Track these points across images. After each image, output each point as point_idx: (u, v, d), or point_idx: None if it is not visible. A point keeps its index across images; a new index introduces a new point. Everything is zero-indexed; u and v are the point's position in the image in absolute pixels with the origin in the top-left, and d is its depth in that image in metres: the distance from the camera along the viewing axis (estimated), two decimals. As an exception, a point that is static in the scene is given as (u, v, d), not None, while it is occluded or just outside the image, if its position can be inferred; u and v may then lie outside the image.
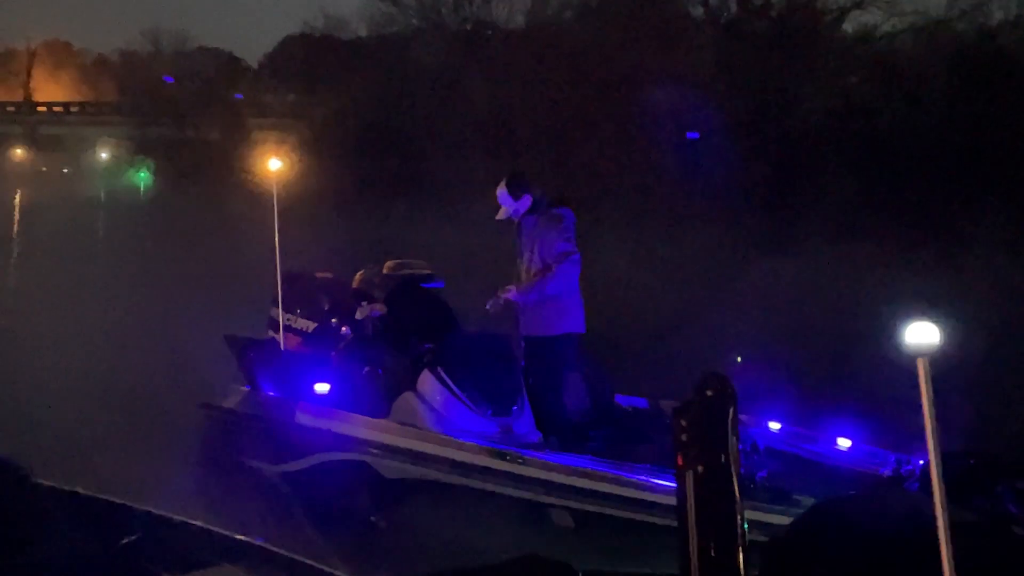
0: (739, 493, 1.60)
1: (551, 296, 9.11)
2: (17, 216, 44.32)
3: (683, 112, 36.34)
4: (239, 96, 59.41)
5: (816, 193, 32.52)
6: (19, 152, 73.58)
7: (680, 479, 1.60)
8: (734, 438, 1.62)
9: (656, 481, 7.60)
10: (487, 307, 9.39)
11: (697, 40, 39.78)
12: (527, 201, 9.28)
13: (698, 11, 42.49)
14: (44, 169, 69.14)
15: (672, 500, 6.25)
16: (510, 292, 9.24)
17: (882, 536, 1.42)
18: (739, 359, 10.03)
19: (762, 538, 1.64)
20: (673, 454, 1.64)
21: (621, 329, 14.94)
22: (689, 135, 36.46)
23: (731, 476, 1.60)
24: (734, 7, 41.00)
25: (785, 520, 5.91)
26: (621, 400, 9.82)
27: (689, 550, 1.59)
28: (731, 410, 1.62)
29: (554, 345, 9.18)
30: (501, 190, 9.39)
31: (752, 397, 8.73)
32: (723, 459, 1.60)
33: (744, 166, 34.74)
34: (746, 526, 1.61)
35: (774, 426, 9.08)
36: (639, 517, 7.61)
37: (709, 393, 1.62)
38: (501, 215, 9.45)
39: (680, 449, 1.60)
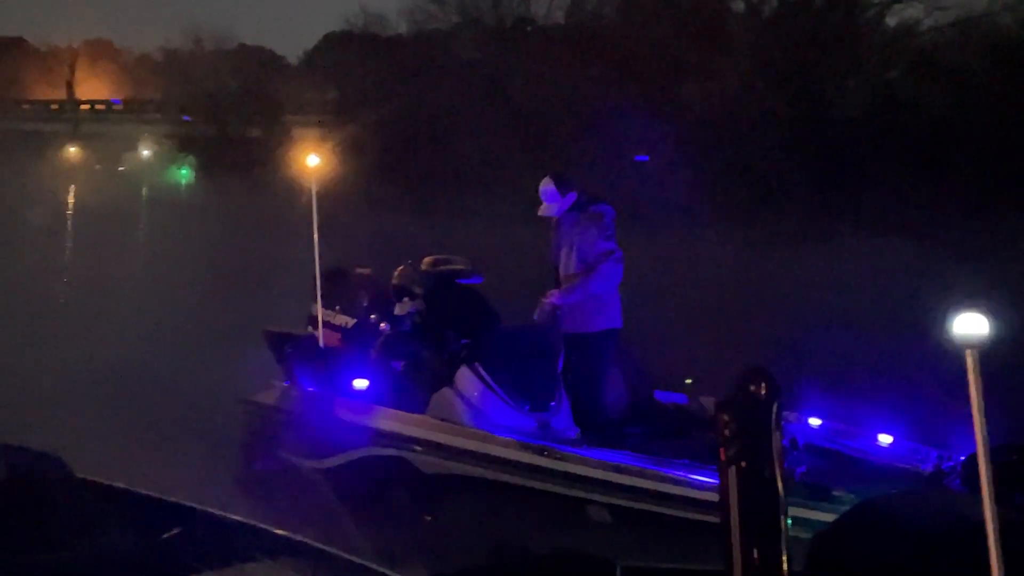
0: (782, 488, 1.58)
1: (600, 293, 9.08)
2: (71, 212, 44.75)
3: (721, 108, 36.18)
4: (642, 159, 59.37)
5: (858, 187, 32.32)
6: (73, 150, 74.09)
7: (723, 474, 1.58)
8: (777, 433, 1.60)
9: (695, 477, 7.58)
10: (535, 317, 9.37)
11: (738, 35, 39.60)
12: (571, 198, 9.24)
13: (739, 6, 42.32)
14: (98, 167, 69.57)
15: (710, 496, 6.22)
16: (553, 297, 9.22)
17: (928, 534, 1.40)
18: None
19: (801, 535, 1.62)
20: (716, 449, 1.62)
21: (661, 325, 14.87)
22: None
23: (774, 471, 1.58)
24: (775, 2, 40.78)
25: (824, 516, 5.89)
26: (660, 396, 9.78)
27: (732, 545, 1.57)
28: (774, 405, 1.60)
29: (593, 341, 9.16)
30: (547, 187, 9.31)
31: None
32: (766, 454, 1.58)
33: (785, 161, 34.55)
34: (790, 522, 1.59)
35: (814, 422, 9.02)
36: (677, 513, 7.59)
37: (752, 388, 1.60)
38: (543, 211, 9.39)
39: (723, 444, 1.58)
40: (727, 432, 1.58)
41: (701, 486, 7.38)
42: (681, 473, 7.71)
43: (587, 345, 9.15)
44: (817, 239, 28.69)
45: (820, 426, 9.02)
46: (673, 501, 7.62)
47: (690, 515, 7.41)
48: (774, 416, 1.59)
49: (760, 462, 1.57)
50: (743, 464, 1.57)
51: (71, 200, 49.14)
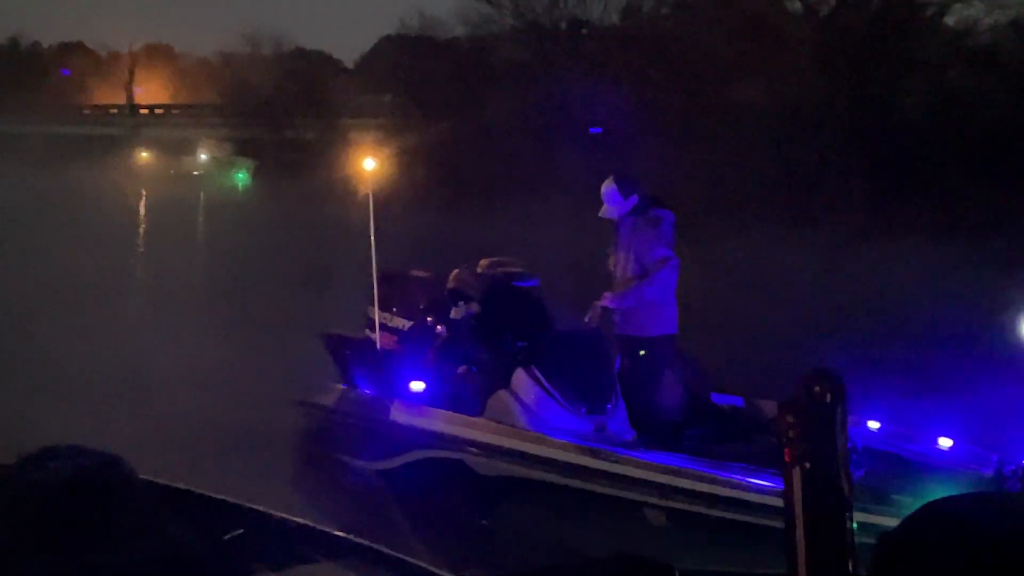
0: (849, 491, 1.57)
1: (654, 299, 9.06)
2: (142, 215, 45.41)
3: (778, 109, 35.97)
4: (596, 130, 59.67)
5: (917, 188, 32.01)
6: (144, 155, 74.82)
7: (786, 476, 1.57)
8: (843, 435, 1.58)
9: (753, 480, 7.53)
10: (586, 320, 9.34)
11: (795, 35, 39.36)
12: (633, 201, 9.19)
13: (795, 6, 42.05)
14: (172, 172, 70.28)
15: (769, 499, 6.19)
16: (606, 299, 9.19)
17: (995, 538, 1.37)
18: None
19: (862, 539, 1.60)
20: (777, 451, 1.60)
21: (718, 327, 14.82)
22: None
23: (840, 474, 1.57)
24: (832, 1, 40.49)
25: (884, 521, 5.83)
26: (717, 398, 9.73)
27: (796, 549, 1.56)
28: (840, 407, 1.58)
29: (649, 346, 9.12)
30: (608, 188, 9.27)
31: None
32: (832, 456, 1.56)
33: (844, 162, 34.30)
34: (855, 525, 1.57)
35: (873, 425, 8.94)
36: (735, 516, 7.54)
37: (817, 389, 1.58)
38: (604, 213, 9.34)
39: (786, 445, 1.57)
40: (791, 434, 1.56)
41: (760, 489, 7.33)
42: (739, 476, 7.66)
43: (643, 349, 9.13)
44: (876, 240, 28.45)
45: (879, 429, 8.94)
46: (731, 504, 7.58)
47: (748, 518, 7.36)
48: (839, 417, 1.57)
49: (825, 464, 1.55)
50: (807, 466, 1.56)
51: (143, 205, 49.78)
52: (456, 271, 10.42)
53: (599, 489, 8.21)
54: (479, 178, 41.37)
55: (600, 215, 9.38)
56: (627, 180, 9.32)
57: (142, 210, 47.54)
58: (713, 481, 7.73)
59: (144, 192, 54.75)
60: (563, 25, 49.89)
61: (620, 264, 9.23)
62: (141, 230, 38.66)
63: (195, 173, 69.08)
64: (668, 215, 9.21)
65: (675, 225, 9.24)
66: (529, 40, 48.76)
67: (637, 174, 9.74)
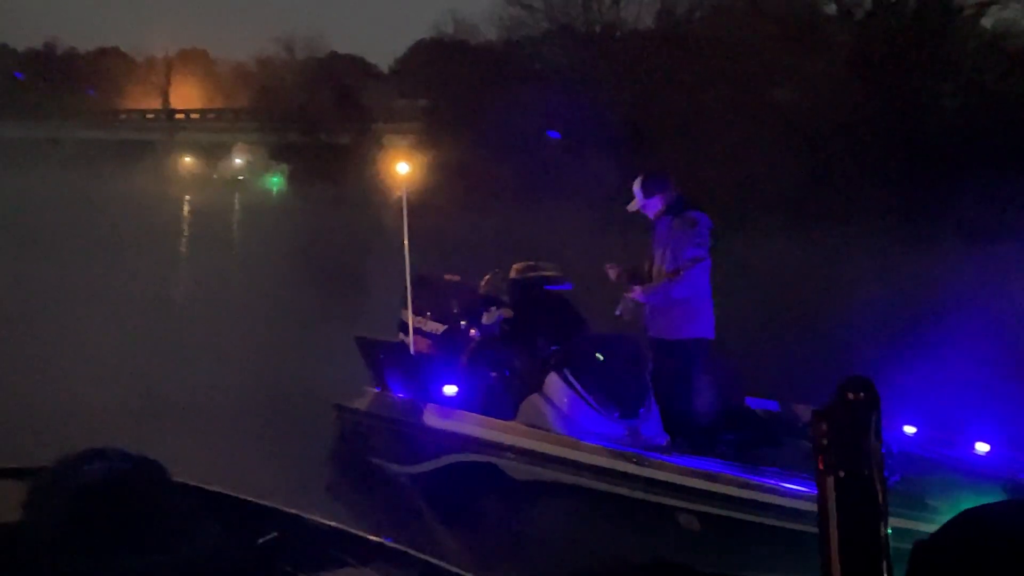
0: (883, 499, 1.56)
1: (678, 300, 9.06)
2: (185, 218, 45.76)
3: (815, 110, 35.84)
4: (554, 134, 59.88)
5: (954, 190, 31.81)
6: (188, 160, 75.28)
7: (820, 483, 1.56)
8: (877, 442, 1.57)
9: (787, 485, 7.49)
10: (616, 312, 9.36)
11: (830, 37, 39.22)
12: (658, 201, 9.24)
13: (831, 7, 41.91)
14: (215, 176, 70.70)
15: (804, 504, 6.16)
16: (636, 292, 9.21)
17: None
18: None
19: (897, 545, 1.59)
20: (811, 457, 1.59)
21: (751, 329, 14.77)
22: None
23: (874, 481, 1.56)
24: (868, 3, 40.31)
25: (919, 526, 5.78)
26: (752, 403, 9.70)
27: (830, 555, 1.55)
28: (874, 414, 1.57)
29: (682, 349, 9.11)
30: (636, 185, 9.40)
31: None
32: (866, 463, 1.55)
33: (880, 163, 34.13)
34: (890, 531, 1.56)
35: (909, 430, 8.88)
36: (768, 521, 7.50)
37: (851, 396, 1.57)
38: (631, 207, 9.44)
39: (820, 452, 1.56)
40: (824, 441, 1.55)
41: (794, 494, 7.29)
42: (773, 481, 7.63)
43: (675, 352, 9.11)
44: (912, 242, 28.30)
45: (915, 434, 8.88)
46: (765, 509, 7.54)
47: (783, 524, 7.32)
48: (874, 425, 1.56)
49: (859, 472, 1.54)
50: (842, 473, 1.55)
51: (185, 209, 50.14)
52: (487, 277, 10.44)
53: (632, 493, 8.19)
54: (513, 182, 41.41)
55: (628, 208, 9.52)
56: (652, 179, 9.42)
57: (184, 214, 47.95)
58: (747, 486, 7.70)
59: (187, 197, 55.17)
60: (597, 28, 49.90)
61: (656, 263, 9.26)
62: (183, 235, 38.88)
63: (239, 178, 69.45)
64: (704, 218, 9.24)
65: (711, 229, 9.26)
66: (563, 43, 48.78)
67: (668, 174, 9.73)
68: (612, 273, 9.57)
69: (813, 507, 1.58)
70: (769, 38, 38.29)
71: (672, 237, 9.11)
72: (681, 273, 9.01)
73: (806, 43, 37.90)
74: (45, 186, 48.21)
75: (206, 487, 3.65)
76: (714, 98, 37.82)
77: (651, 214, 9.32)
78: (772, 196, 33.40)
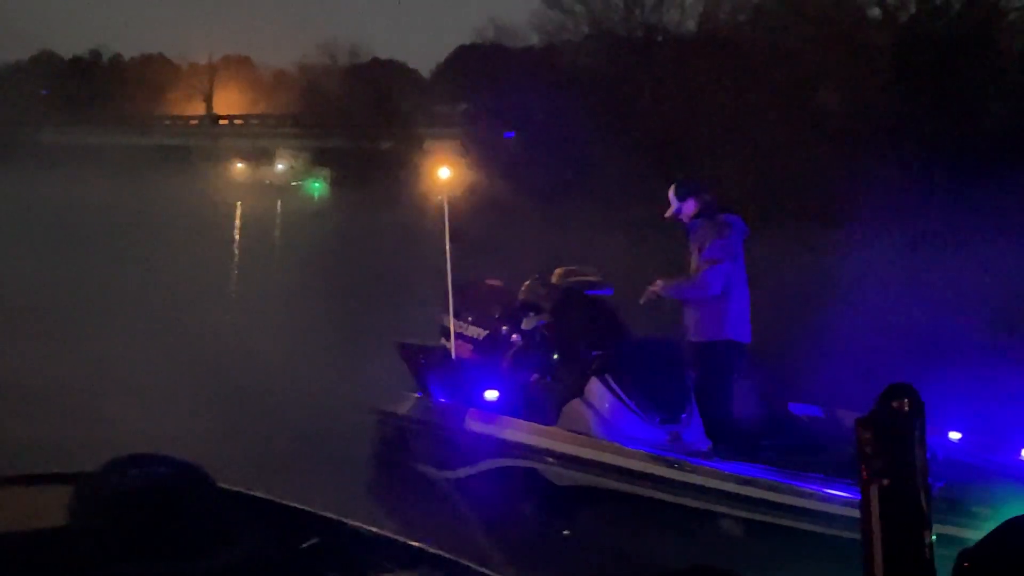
0: (928, 506, 1.55)
1: (703, 301, 9.07)
2: (238, 224, 46.13)
3: (859, 114, 35.64)
4: (510, 135, 60.18)
5: (999, 194, 31.54)
6: (240, 167, 75.73)
7: (864, 491, 1.55)
8: (921, 450, 1.56)
9: (831, 492, 7.44)
10: (641, 302, 9.40)
11: (874, 41, 38.99)
12: (691, 204, 9.29)
13: (875, 12, 41.66)
14: (268, 182, 71.14)
15: (847, 511, 6.11)
16: (658, 285, 9.29)
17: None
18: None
19: (941, 552, 1.58)
20: (855, 464, 1.59)
21: (798, 335, 14.68)
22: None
23: (918, 489, 1.55)
24: (913, 7, 40.04)
25: (964, 534, 5.73)
26: (795, 409, 9.65)
27: (874, 563, 1.54)
28: (918, 421, 1.56)
29: (716, 351, 9.09)
30: (670, 191, 9.48)
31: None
32: (910, 471, 1.54)
33: (925, 167, 33.90)
34: (934, 538, 1.55)
35: (954, 436, 8.80)
36: (812, 528, 7.46)
37: (895, 404, 1.56)
38: (667, 213, 9.52)
39: (864, 460, 1.55)
40: (868, 450, 1.54)
41: (838, 501, 7.24)
42: (817, 487, 7.58)
43: (710, 354, 9.10)
44: (957, 248, 28.08)
45: (960, 440, 8.80)
46: (808, 515, 7.49)
47: (826, 530, 7.28)
48: (918, 433, 1.55)
49: (903, 481, 1.53)
50: (886, 481, 1.54)
51: (238, 215, 50.50)
52: (527, 283, 10.43)
53: (673, 499, 8.17)
54: (555, 186, 41.39)
55: (664, 215, 9.56)
56: (684, 184, 9.54)
57: (237, 218, 48.35)
58: (790, 492, 7.66)
59: (239, 202, 55.58)
60: (639, 33, 49.82)
61: (692, 266, 9.30)
62: (235, 240, 39.14)
63: (293, 183, 69.87)
64: (737, 222, 9.27)
65: (746, 234, 9.26)
66: (604, 48, 48.75)
67: (700, 179, 9.80)
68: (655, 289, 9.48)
69: (857, 514, 1.57)
70: (812, 42, 38.11)
71: (702, 239, 9.16)
72: (698, 273, 9.08)
73: (849, 47, 37.69)
74: (92, 192, 48.67)
75: (249, 492, 3.67)
76: (756, 102, 37.69)
77: (685, 219, 9.36)
78: (813, 200, 33.23)
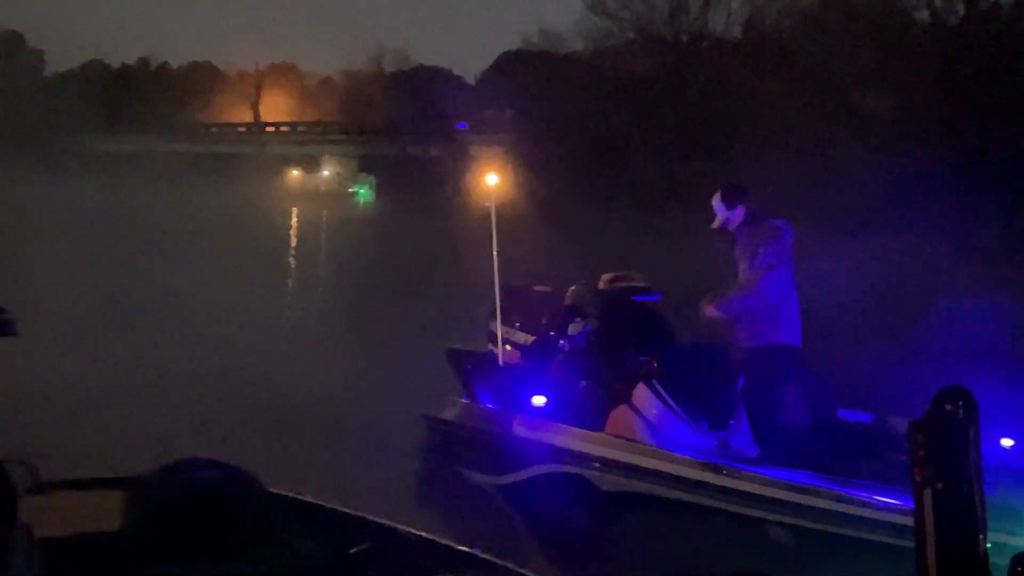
0: (982, 512, 1.53)
1: (756, 307, 8.96)
2: (294, 229, 46.44)
3: (907, 118, 35.38)
4: (462, 125, 60.36)
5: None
6: (295, 173, 76.09)
7: (917, 497, 1.54)
8: (976, 455, 1.55)
9: (881, 498, 7.38)
10: (703, 317, 9.29)
11: (922, 45, 38.70)
12: (740, 212, 9.14)
13: (923, 15, 41.35)
14: (323, 189, 71.46)
15: (898, 517, 6.05)
16: (710, 309, 9.15)
17: None
18: None
19: (994, 560, 1.56)
20: (906, 469, 1.57)
21: (847, 341, 14.58)
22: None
23: (972, 495, 1.53)
24: (961, 10, 39.71)
25: (1016, 540, 5.68)
26: (844, 415, 9.56)
27: (928, 571, 1.53)
28: (972, 426, 1.55)
29: (768, 356, 9.00)
30: (715, 200, 9.30)
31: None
32: (964, 477, 1.53)
33: (973, 173, 33.58)
34: (990, 545, 1.54)
35: (1007, 443, 8.71)
36: (862, 535, 7.40)
37: (949, 407, 1.55)
38: (715, 224, 9.35)
39: (917, 465, 1.54)
40: (921, 454, 1.53)
41: (889, 507, 7.18)
42: (867, 494, 7.52)
43: (761, 360, 9.00)
44: (1007, 254, 27.80)
45: (1013, 447, 8.71)
46: (859, 522, 7.43)
47: (877, 537, 7.22)
48: (972, 437, 1.54)
49: (957, 485, 1.52)
50: (939, 486, 1.52)
51: (294, 221, 50.82)
52: (573, 288, 10.42)
53: (722, 505, 8.13)
54: (601, 191, 41.33)
55: (712, 227, 9.39)
56: (732, 191, 9.30)
57: (292, 224, 48.70)
58: (840, 498, 7.60)
59: (294, 208, 55.97)
60: (684, 38, 49.68)
61: (740, 274, 9.17)
62: (290, 246, 39.37)
63: (337, 190, 70.21)
64: (786, 226, 9.14)
65: (795, 238, 9.15)
66: (649, 53, 48.64)
67: (745, 185, 9.64)
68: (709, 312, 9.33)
69: (909, 521, 1.56)
70: (859, 47, 37.86)
71: (751, 246, 9.02)
72: (754, 281, 8.93)
73: (896, 51, 37.43)
74: (142, 199, 49.09)
75: (299, 497, 3.69)
76: (802, 107, 37.48)
77: (732, 226, 9.20)
78: (860, 205, 33.01)
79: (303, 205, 60.26)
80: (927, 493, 1.53)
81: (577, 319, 10.05)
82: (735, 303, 9.06)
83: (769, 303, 9.00)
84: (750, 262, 9.04)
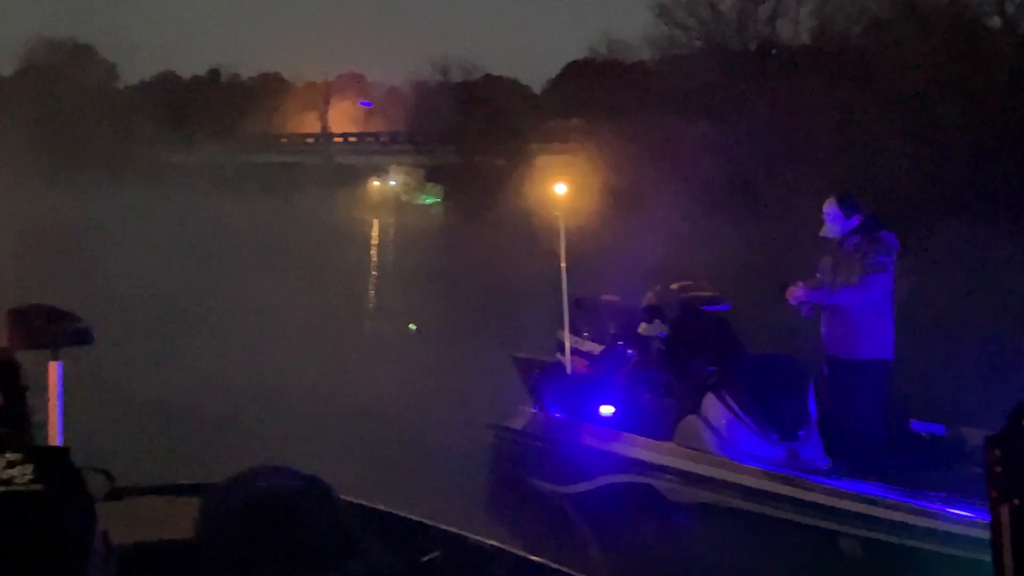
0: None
1: (857, 317, 8.74)
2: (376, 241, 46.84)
3: (980, 125, 34.94)
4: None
5: None
6: (376, 184, 76.42)
7: (994, 513, 1.52)
8: (1052, 470, 1.53)
9: (955, 511, 7.28)
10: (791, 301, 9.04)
11: (994, 50, 38.20)
12: (856, 221, 8.95)
13: (994, 21, 40.83)
14: (404, 198, 71.83)
15: (972, 531, 5.97)
16: (800, 293, 8.92)
17: None
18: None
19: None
20: (986, 485, 1.56)
21: (926, 350, 14.37)
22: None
23: (1050, 510, 1.52)
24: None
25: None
26: (917, 426, 9.43)
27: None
28: (1051, 441, 1.53)
29: (860, 370, 8.75)
30: (831, 208, 8.98)
31: None
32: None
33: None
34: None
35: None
36: (934, 548, 7.31)
37: (1024, 423, 1.53)
38: (825, 232, 9.03)
39: (993, 481, 1.52)
40: (999, 468, 1.52)
41: (963, 521, 7.08)
42: (940, 507, 7.42)
43: (853, 373, 8.75)
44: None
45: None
46: (932, 536, 7.34)
47: (950, 551, 7.13)
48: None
49: (1035, 500, 1.51)
50: (1017, 502, 1.51)
51: (376, 232, 51.21)
52: (655, 289, 10.40)
53: (792, 517, 8.07)
54: (668, 201, 41.17)
55: (822, 234, 9.11)
56: (850, 200, 9.05)
57: (374, 235, 49.08)
58: (913, 511, 7.51)
59: (375, 220, 56.39)
60: (752, 46, 49.40)
61: (840, 282, 8.92)
62: (371, 259, 39.61)
63: (405, 200, 70.46)
64: (893, 238, 8.91)
65: (898, 251, 8.93)
66: (717, 62, 48.41)
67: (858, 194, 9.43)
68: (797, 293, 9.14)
69: (983, 534, 1.54)
70: (930, 53, 37.44)
71: (860, 252, 8.78)
72: (860, 279, 8.68)
73: (970, 58, 36.98)
74: (217, 209, 49.58)
75: (371, 505, 3.72)
76: (874, 114, 37.12)
77: (843, 234, 9.00)
78: (936, 215, 32.61)
79: (373, 215, 60.59)
80: (1004, 509, 1.52)
81: (655, 320, 10.02)
82: (835, 295, 8.78)
83: (866, 305, 8.73)
84: (860, 263, 8.80)
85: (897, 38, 40.06)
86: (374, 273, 32.60)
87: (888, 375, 8.92)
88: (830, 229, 9.01)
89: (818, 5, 48.03)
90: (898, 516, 7.55)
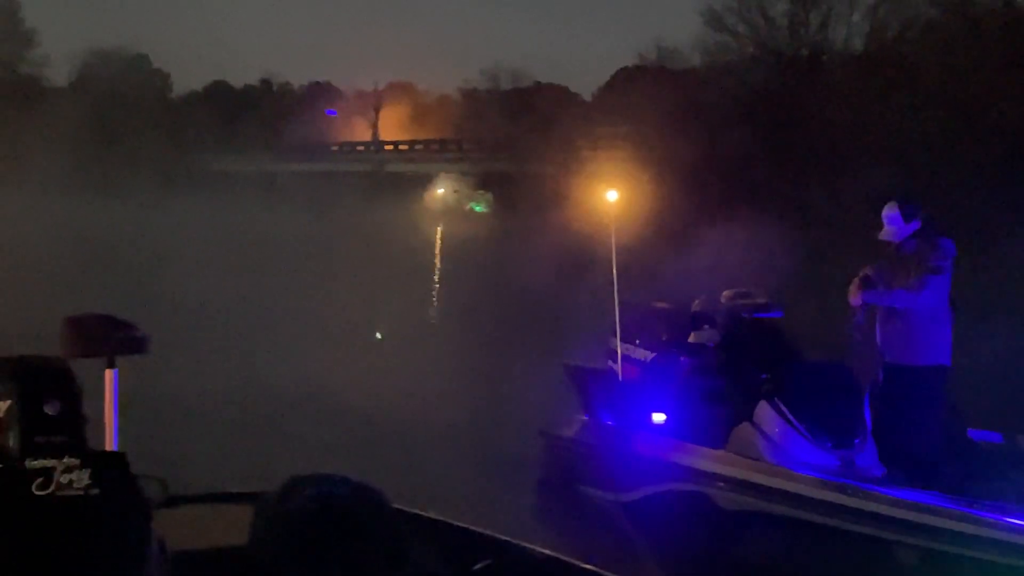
0: None
1: (916, 322, 8.63)
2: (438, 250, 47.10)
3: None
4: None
5: None
6: (438, 193, 76.67)
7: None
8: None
9: (1013, 520, 7.19)
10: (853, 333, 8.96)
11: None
12: (915, 225, 8.85)
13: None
14: (455, 206, 72.06)
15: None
16: (859, 296, 8.82)
17: None
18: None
19: None
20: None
21: (980, 357, 14.22)
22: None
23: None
24: (1089, 19, 38.70)
25: None
26: (973, 434, 9.32)
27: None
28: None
29: (918, 377, 8.63)
30: (891, 211, 8.87)
31: None
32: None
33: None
34: None
35: None
36: (991, 558, 7.22)
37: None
38: (884, 235, 8.91)
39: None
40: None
41: (1020, 530, 6.99)
42: (998, 516, 7.33)
43: (910, 379, 8.64)
44: None
45: None
46: (989, 545, 7.25)
47: (1007, 560, 7.04)
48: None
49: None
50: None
51: (439, 239, 51.48)
52: (703, 296, 10.36)
53: (847, 526, 7.99)
54: (720, 207, 41.01)
55: (880, 237, 8.98)
56: (910, 204, 8.92)
57: (437, 243, 49.37)
58: (969, 520, 7.42)
59: (438, 228, 56.68)
60: (804, 52, 49.14)
61: (895, 283, 8.82)
62: (436, 266, 39.78)
63: (455, 207, 70.65)
64: (951, 245, 8.79)
65: (955, 257, 8.81)
66: (769, 67, 48.19)
67: (920, 199, 9.31)
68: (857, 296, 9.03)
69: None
70: (986, 58, 37.08)
71: (918, 256, 8.67)
72: (919, 280, 8.58)
73: (1022, 62, 36.58)
74: (269, 219, 49.93)
75: (423, 514, 3.71)
76: (930, 121, 36.80)
77: (902, 238, 8.90)
78: (996, 222, 32.28)
79: (432, 222, 60.86)
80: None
81: (705, 327, 9.99)
82: (891, 295, 8.68)
83: (922, 307, 8.63)
84: (917, 266, 8.70)
85: (950, 43, 39.72)
86: (435, 280, 32.67)
87: (945, 382, 8.80)
88: (889, 232, 8.89)
89: (869, 9, 47.73)
90: (955, 525, 7.46)
